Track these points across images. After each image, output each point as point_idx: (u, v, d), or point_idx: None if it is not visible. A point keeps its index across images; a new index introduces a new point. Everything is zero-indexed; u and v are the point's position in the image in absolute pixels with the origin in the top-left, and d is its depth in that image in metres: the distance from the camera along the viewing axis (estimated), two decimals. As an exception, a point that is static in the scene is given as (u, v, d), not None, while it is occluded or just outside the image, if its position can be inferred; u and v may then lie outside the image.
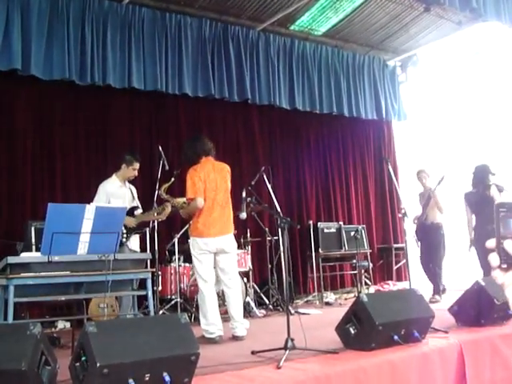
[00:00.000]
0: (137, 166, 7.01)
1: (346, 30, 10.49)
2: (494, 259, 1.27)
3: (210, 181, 6.06)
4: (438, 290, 8.45)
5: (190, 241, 6.13)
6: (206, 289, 5.94)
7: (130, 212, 6.74)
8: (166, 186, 6.44)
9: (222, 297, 6.69)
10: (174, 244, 7.90)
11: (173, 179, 6.69)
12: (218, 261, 6.09)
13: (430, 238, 8.45)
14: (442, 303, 7.60)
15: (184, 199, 6.28)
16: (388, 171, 7.83)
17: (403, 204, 7.26)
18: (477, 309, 5.54)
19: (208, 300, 5.90)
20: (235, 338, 5.91)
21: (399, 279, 11.26)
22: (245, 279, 7.88)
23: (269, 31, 9.80)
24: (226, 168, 6.33)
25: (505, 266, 1.26)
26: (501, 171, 9.73)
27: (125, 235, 6.59)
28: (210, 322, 5.82)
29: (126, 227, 6.57)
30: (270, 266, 8.91)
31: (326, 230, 9.77)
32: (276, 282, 8.82)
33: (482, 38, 10.67)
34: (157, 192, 6.77)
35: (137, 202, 7.09)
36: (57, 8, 7.56)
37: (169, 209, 6.70)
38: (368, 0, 9.43)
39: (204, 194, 6.00)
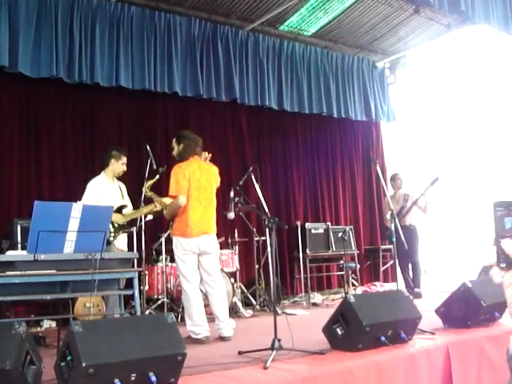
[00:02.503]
0: (125, 159, 7.01)
1: (335, 31, 10.49)
2: (491, 258, 1.26)
3: (195, 180, 6.01)
4: (419, 283, 8.64)
5: (173, 241, 6.06)
6: (191, 290, 5.90)
7: (118, 210, 6.71)
8: (151, 183, 6.40)
9: (207, 297, 6.67)
10: (160, 243, 7.87)
11: (157, 176, 6.65)
12: (201, 262, 6.05)
13: (410, 239, 8.54)
14: (429, 304, 7.60)
15: (168, 199, 6.24)
16: (376, 172, 7.86)
17: (391, 205, 7.28)
18: (463, 310, 5.56)
19: (193, 301, 5.86)
20: (222, 339, 5.88)
21: (386, 280, 11.28)
22: (232, 279, 7.86)
23: (258, 31, 9.79)
24: (213, 169, 6.30)
25: (504, 265, 1.25)
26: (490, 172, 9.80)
27: (112, 234, 6.56)
28: (196, 323, 5.79)
29: (113, 226, 6.55)
30: (257, 266, 8.89)
31: (313, 231, 9.78)
32: (263, 283, 8.80)
33: (471, 40, 10.71)
34: (144, 191, 6.74)
35: (126, 201, 7.06)
36: (45, 5, 7.51)
37: (157, 207, 6.68)
38: (358, 1, 9.43)
39: (188, 192, 5.94)
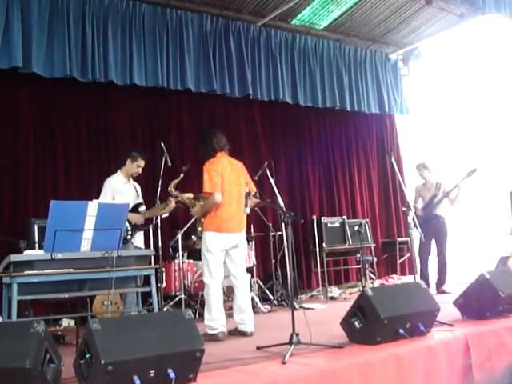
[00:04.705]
0: (142, 163, 6.98)
1: (347, 24, 10.45)
2: (509, 247, 1.25)
3: (228, 174, 6.00)
4: (444, 280, 8.49)
5: (206, 234, 5.97)
6: (213, 284, 5.87)
7: (135, 209, 6.74)
8: (176, 182, 6.40)
9: (226, 293, 6.66)
10: (177, 240, 7.88)
11: (182, 175, 6.61)
12: (230, 254, 6.04)
13: (439, 230, 8.45)
14: (447, 296, 7.58)
15: (191, 195, 6.24)
16: (391, 165, 7.80)
17: (407, 197, 7.24)
18: (482, 301, 5.53)
19: (213, 295, 5.84)
20: (243, 334, 5.84)
21: (403, 273, 11.25)
22: (249, 275, 7.84)
23: (270, 26, 9.77)
24: (240, 164, 6.29)
25: None
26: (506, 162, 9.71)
27: (130, 232, 6.58)
28: (214, 318, 5.77)
29: (130, 224, 6.57)
30: (273, 261, 8.88)
31: (329, 225, 9.75)
32: (280, 278, 8.80)
33: (484, 30, 10.63)
34: (159, 189, 6.76)
35: (141, 199, 7.08)
36: (57, 4, 7.55)
37: (172, 204, 6.70)
38: (369, -7, 9.41)
39: (222, 187, 5.92)
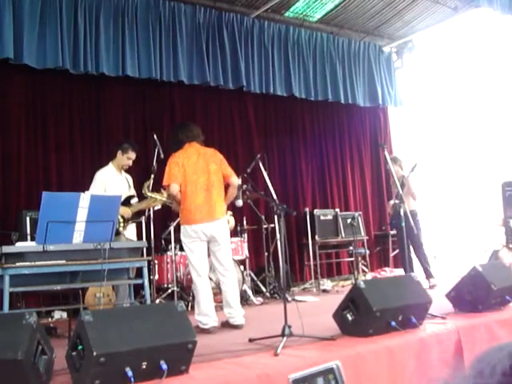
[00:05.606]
0: (132, 155, 6.97)
1: (341, 17, 10.41)
2: (500, 238, 1.25)
3: (191, 164, 5.91)
4: (430, 274, 8.46)
5: (181, 229, 5.99)
6: (199, 279, 5.84)
7: (127, 201, 6.72)
8: (148, 183, 6.41)
9: (218, 285, 6.66)
10: (169, 232, 7.87)
11: (152, 176, 6.63)
12: (212, 251, 6.00)
13: (409, 225, 8.41)
14: (439, 289, 7.59)
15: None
16: (384, 158, 7.79)
17: (400, 191, 7.24)
18: (474, 294, 5.55)
19: (201, 291, 5.81)
20: (234, 327, 5.84)
21: (396, 266, 11.25)
22: (241, 267, 7.86)
23: (263, 18, 9.72)
24: (211, 151, 6.18)
25: None
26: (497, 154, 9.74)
27: (122, 224, 6.57)
28: (204, 313, 5.74)
29: (122, 216, 6.55)
30: (266, 253, 8.88)
31: (322, 218, 9.76)
32: (273, 270, 8.81)
33: (478, 23, 10.62)
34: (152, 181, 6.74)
35: (133, 191, 7.07)
36: (49, -5, 7.50)
37: (161, 198, 6.69)
38: (363, -15, 9.38)
39: (185, 178, 5.86)
